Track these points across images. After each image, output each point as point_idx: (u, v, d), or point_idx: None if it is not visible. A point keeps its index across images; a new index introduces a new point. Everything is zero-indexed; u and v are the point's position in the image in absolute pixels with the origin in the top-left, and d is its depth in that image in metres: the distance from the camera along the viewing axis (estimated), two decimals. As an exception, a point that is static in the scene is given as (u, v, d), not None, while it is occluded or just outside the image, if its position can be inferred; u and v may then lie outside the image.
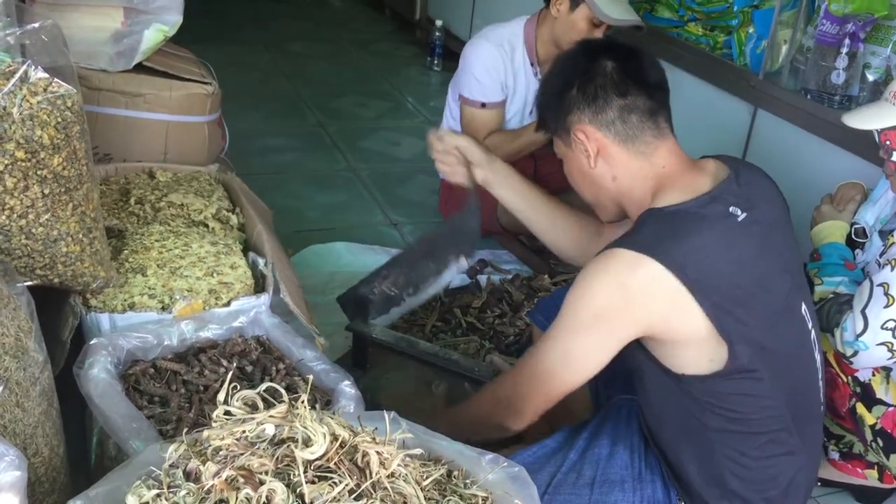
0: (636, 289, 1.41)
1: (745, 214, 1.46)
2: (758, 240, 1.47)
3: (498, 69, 2.81)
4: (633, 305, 1.42)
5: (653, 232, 1.44)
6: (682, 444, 1.55)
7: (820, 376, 1.63)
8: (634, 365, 1.56)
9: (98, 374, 1.59)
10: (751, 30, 2.95)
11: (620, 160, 1.52)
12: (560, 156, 1.63)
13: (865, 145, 2.36)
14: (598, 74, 1.51)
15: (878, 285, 1.72)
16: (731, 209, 1.45)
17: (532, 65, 2.86)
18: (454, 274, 2.03)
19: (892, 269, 1.71)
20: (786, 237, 1.57)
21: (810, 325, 1.58)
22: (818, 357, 1.61)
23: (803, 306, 1.56)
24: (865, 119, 1.81)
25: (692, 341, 1.44)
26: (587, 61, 1.54)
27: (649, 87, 1.52)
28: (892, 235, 1.78)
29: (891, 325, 1.70)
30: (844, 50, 2.54)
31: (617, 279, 1.42)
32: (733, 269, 1.43)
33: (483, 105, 2.83)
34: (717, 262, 1.42)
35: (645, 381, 1.56)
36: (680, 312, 1.41)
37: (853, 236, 2.00)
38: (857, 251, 1.97)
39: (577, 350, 1.48)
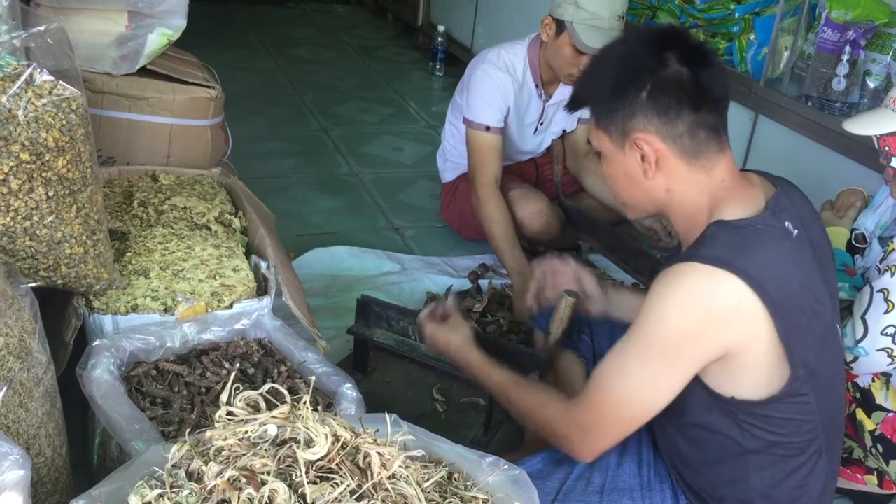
0: (721, 309, 1.31)
1: (797, 231, 1.40)
2: (810, 259, 1.42)
3: (507, 95, 2.79)
4: (717, 327, 1.33)
5: (727, 245, 1.33)
6: (712, 465, 1.50)
7: (845, 394, 1.61)
8: None
9: (101, 375, 1.60)
10: (752, 36, 2.96)
11: (679, 173, 1.42)
12: (600, 149, 1.50)
13: (866, 152, 2.38)
14: (672, 81, 1.38)
15: (878, 291, 1.72)
16: (787, 224, 1.39)
17: (537, 86, 2.86)
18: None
19: (892, 274, 1.71)
20: (827, 255, 1.51)
21: (842, 345, 1.55)
22: (844, 376, 1.59)
23: (839, 328, 1.53)
24: (865, 125, 1.82)
25: (758, 363, 1.37)
26: (656, 59, 1.39)
27: (721, 100, 1.41)
28: (892, 242, 1.78)
29: (891, 330, 1.70)
30: (845, 57, 2.55)
31: (699, 299, 1.32)
32: (798, 291, 1.36)
33: (487, 128, 2.80)
34: (788, 282, 1.34)
35: (679, 401, 1.43)
36: (757, 332, 1.33)
37: (853, 242, 2.01)
38: (857, 257, 1.98)
39: (654, 381, 1.37)
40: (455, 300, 1.98)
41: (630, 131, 1.41)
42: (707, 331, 1.33)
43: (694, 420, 1.48)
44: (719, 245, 1.34)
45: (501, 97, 2.79)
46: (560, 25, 2.65)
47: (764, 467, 1.46)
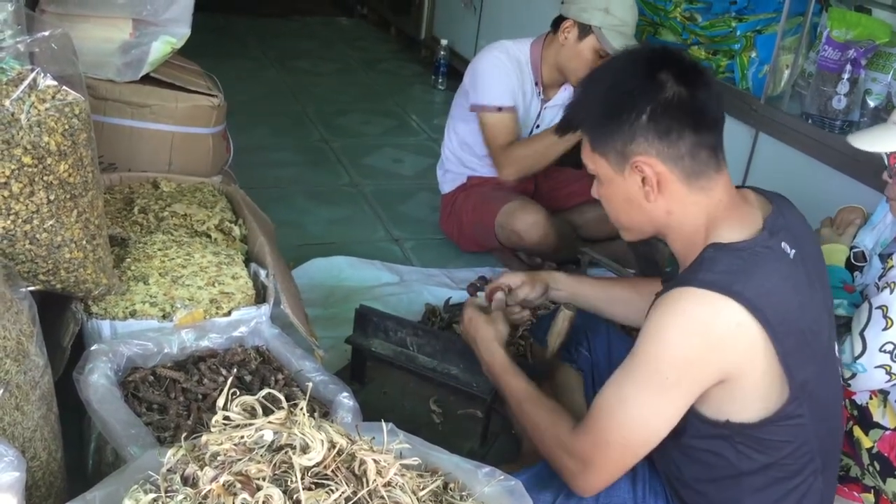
0: (721, 335, 1.31)
1: (794, 251, 1.39)
2: (806, 279, 1.40)
3: (511, 76, 2.82)
4: (716, 353, 1.31)
5: (726, 270, 1.32)
6: (707, 484, 1.49)
7: (842, 415, 1.60)
8: None
9: (98, 379, 1.60)
10: (753, 54, 2.98)
11: (679, 195, 1.40)
12: (596, 173, 1.49)
13: (866, 170, 2.38)
14: (672, 103, 1.36)
15: (877, 308, 1.72)
16: (783, 245, 1.38)
17: (536, 84, 2.88)
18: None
19: (892, 291, 1.71)
20: (822, 273, 1.50)
21: (838, 365, 1.55)
22: (842, 396, 1.58)
23: (836, 347, 1.52)
24: (875, 142, 1.79)
25: (756, 387, 1.36)
26: (652, 81, 1.38)
27: (718, 119, 1.41)
28: (892, 259, 1.78)
29: (889, 347, 1.70)
30: (846, 76, 2.56)
31: (698, 324, 1.31)
32: (797, 313, 1.36)
33: (499, 109, 2.82)
34: (787, 305, 1.33)
35: (676, 425, 1.43)
36: (756, 357, 1.32)
37: (852, 260, 2.01)
38: (857, 274, 1.98)
39: (655, 409, 1.36)
40: (504, 297, 1.91)
41: (630, 155, 1.40)
42: (707, 356, 1.32)
43: (689, 442, 1.47)
44: (717, 269, 1.33)
45: (508, 78, 2.82)
46: (584, 29, 2.68)
47: (758, 489, 1.45)
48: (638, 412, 1.36)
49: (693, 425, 1.43)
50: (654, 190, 1.40)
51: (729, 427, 1.40)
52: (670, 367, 1.33)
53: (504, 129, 2.83)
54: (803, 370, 1.37)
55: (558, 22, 2.81)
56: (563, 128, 1.53)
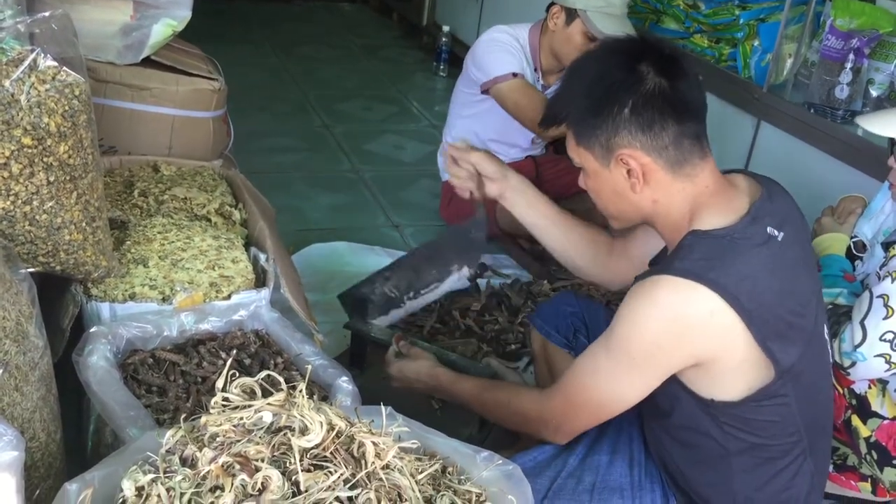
0: (693, 323, 1.34)
1: (781, 234, 1.40)
2: (792, 262, 1.42)
3: (516, 50, 2.79)
4: (687, 339, 1.36)
5: (703, 257, 1.35)
6: (697, 466, 1.52)
7: (832, 397, 1.61)
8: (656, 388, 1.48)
9: (97, 361, 1.60)
10: (756, 43, 2.97)
11: (664, 184, 1.42)
12: (582, 166, 1.50)
13: (867, 159, 2.38)
14: (653, 95, 1.38)
15: (878, 297, 1.72)
16: (768, 230, 1.39)
17: (535, 70, 2.87)
18: (455, 282, 2.03)
19: (893, 280, 1.71)
20: (809, 256, 1.52)
21: (828, 347, 1.56)
22: (832, 378, 1.60)
23: (824, 329, 1.53)
24: (884, 125, 1.77)
25: (736, 369, 1.39)
26: (632, 74, 1.39)
27: (700, 108, 1.43)
28: (894, 248, 1.78)
29: (889, 336, 1.70)
30: (849, 65, 2.56)
31: (671, 312, 1.35)
32: (776, 298, 1.38)
33: (514, 75, 2.73)
34: (764, 291, 1.35)
35: (663, 403, 1.50)
36: (733, 343, 1.35)
37: (853, 250, 2.01)
38: (857, 262, 1.98)
39: (625, 384, 1.43)
40: (407, 340, 1.98)
41: (614, 148, 1.42)
42: (678, 342, 1.37)
43: (680, 422, 1.50)
44: (694, 257, 1.35)
45: (514, 50, 2.77)
46: (570, 14, 2.66)
47: (747, 470, 1.47)
48: (606, 382, 1.45)
49: (681, 403, 1.46)
50: (639, 181, 1.43)
51: (714, 406, 1.43)
52: (639, 351, 1.39)
53: (528, 91, 2.72)
54: (787, 353, 1.39)
55: (549, 9, 2.80)
56: (547, 122, 1.53)
